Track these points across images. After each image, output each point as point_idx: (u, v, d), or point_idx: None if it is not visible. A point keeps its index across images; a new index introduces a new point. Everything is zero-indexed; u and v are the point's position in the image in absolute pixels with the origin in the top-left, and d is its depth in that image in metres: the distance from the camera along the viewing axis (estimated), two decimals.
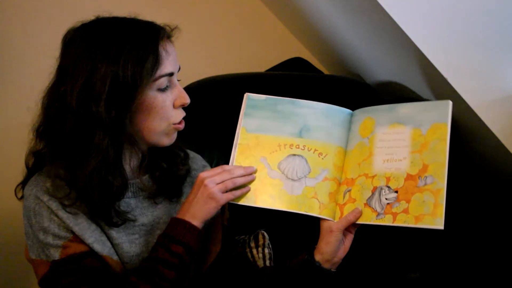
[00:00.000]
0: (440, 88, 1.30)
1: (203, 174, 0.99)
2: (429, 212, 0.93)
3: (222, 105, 1.47)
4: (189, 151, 1.15)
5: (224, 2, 1.92)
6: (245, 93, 1.10)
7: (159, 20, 1.01)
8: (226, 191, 0.99)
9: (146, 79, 0.91)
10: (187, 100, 0.99)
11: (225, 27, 1.93)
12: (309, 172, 1.04)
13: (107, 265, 0.96)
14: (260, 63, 1.85)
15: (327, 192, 1.03)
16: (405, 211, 0.95)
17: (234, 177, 1.00)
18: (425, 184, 0.95)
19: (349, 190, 1.03)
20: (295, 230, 1.37)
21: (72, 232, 0.94)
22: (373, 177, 1.01)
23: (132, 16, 0.98)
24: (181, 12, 1.88)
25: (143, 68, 0.90)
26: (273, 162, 1.05)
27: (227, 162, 1.08)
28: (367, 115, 1.06)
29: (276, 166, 1.05)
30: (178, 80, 1.00)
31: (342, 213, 1.02)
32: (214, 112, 1.49)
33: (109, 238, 0.98)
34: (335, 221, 1.02)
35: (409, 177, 0.97)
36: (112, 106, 0.90)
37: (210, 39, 1.92)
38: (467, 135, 1.42)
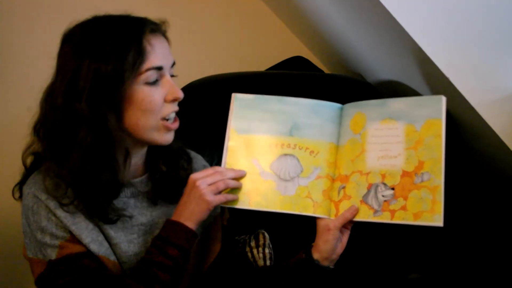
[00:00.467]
0: (442, 87, 1.29)
1: (194, 175, 0.98)
2: (427, 209, 0.92)
3: (222, 104, 1.46)
4: (190, 151, 1.14)
5: (224, 1, 1.92)
6: (232, 93, 1.08)
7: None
8: (219, 193, 0.98)
9: (129, 73, 0.90)
10: (178, 94, 0.97)
11: (226, 26, 1.93)
12: (302, 171, 1.03)
13: (103, 266, 0.95)
14: (260, 62, 1.85)
15: (320, 190, 1.03)
16: (403, 208, 0.95)
17: (226, 179, 0.99)
18: (422, 181, 0.94)
19: (344, 187, 1.02)
20: (295, 230, 1.37)
21: (70, 232, 0.93)
22: (367, 174, 1.00)
23: (128, 14, 0.97)
24: (181, 12, 1.88)
25: (125, 62, 0.90)
26: (265, 163, 1.04)
27: None
28: (357, 109, 1.04)
29: (268, 167, 1.04)
30: (174, 76, 0.99)
31: (337, 210, 1.01)
32: (214, 112, 1.49)
33: (107, 238, 0.98)
34: (332, 218, 1.01)
35: (405, 174, 0.96)
36: (95, 101, 0.90)
37: (211, 38, 1.92)
38: (469, 133, 1.41)
